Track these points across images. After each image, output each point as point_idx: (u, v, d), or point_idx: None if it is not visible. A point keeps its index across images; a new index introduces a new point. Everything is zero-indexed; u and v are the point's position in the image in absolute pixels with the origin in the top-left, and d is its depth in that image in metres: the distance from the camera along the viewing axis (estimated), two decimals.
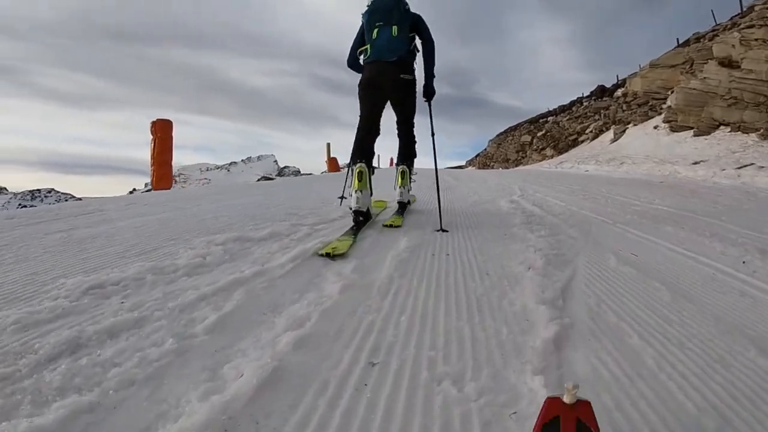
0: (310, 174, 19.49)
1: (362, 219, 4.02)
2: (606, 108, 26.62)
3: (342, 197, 4.90)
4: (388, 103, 4.59)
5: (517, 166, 32.06)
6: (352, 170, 4.20)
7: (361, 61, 4.54)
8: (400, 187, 4.90)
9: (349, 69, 4.76)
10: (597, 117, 27.39)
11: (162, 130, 9.65)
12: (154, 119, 9.78)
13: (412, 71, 4.45)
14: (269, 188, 7.87)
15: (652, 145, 17.03)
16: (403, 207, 4.92)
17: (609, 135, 23.14)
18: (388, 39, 4.29)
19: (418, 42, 4.51)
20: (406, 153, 4.98)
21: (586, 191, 7.72)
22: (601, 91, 29.49)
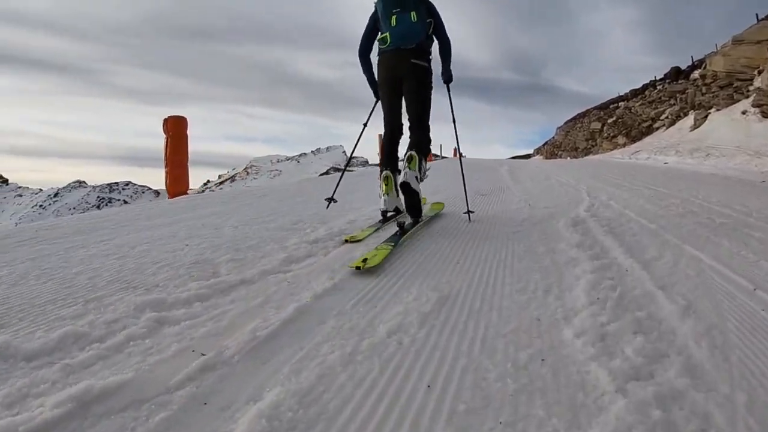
0: (377, 165, 17.58)
1: (393, 213, 4.16)
2: (682, 91, 23.12)
3: (331, 198, 4.48)
4: None
5: (586, 155, 28.88)
6: (380, 177, 4.13)
7: (376, 51, 4.26)
8: (407, 168, 3.87)
9: (358, 59, 4.36)
10: (673, 101, 23.95)
11: (175, 128, 8.17)
12: (166, 116, 8.18)
13: (427, 59, 4.18)
14: (259, 199, 5.92)
15: (741, 133, 14.00)
16: (406, 191, 3.94)
17: (688, 121, 19.91)
18: (409, 25, 4.00)
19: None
20: (419, 145, 4.10)
21: (677, 197, 5.48)
22: (676, 73, 25.78)
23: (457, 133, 4.82)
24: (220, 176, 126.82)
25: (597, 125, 30.75)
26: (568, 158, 29.38)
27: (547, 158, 35.70)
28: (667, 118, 23.38)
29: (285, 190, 6.95)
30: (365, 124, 4.57)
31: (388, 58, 4.13)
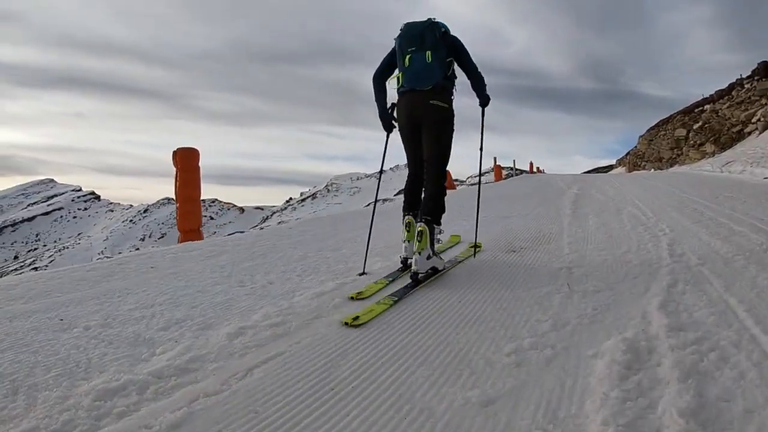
0: (456, 182, 16.35)
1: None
2: None
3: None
4: None
5: (671, 166, 25.58)
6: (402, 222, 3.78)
7: (396, 92, 3.82)
8: (415, 252, 3.43)
9: (371, 82, 3.91)
10: (764, 101, 20.66)
11: (184, 161, 7.03)
12: (176, 148, 6.98)
13: (448, 99, 3.69)
14: (196, 265, 4.36)
15: None
16: (416, 281, 3.30)
17: None
18: (423, 66, 3.56)
19: (458, 69, 3.80)
20: (430, 205, 3.65)
21: None
22: (765, 69, 22.23)
23: (482, 162, 4.31)
24: (302, 194, 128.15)
25: (682, 132, 27.31)
26: (652, 170, 26.19)
27: (629, 170, 32.39)
28: (759, 120, 20.25)
29: (256, 242, 5.17)
30: (381, 171, 4.24)
31: (406, 101, 3.74)
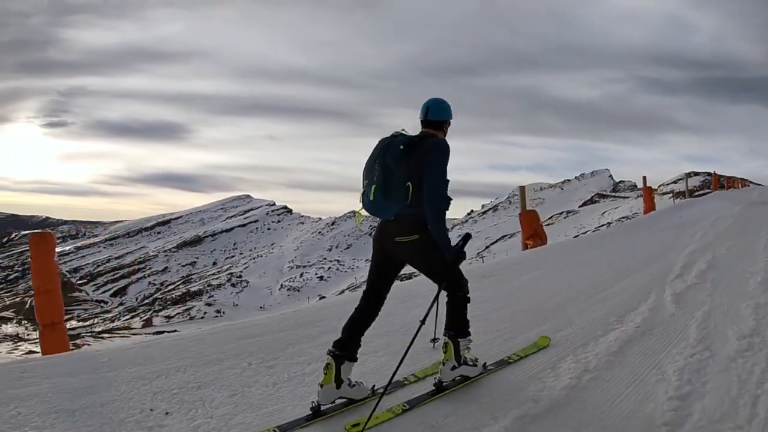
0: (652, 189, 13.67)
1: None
2: None
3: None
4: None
5: None
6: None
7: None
8: (441, 363, 3.25)
9: None
10: None
11: (36, 247, 6.04)
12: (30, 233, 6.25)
13: (418, 228, 3.11)
14: None
15: None
16: (439, 389, 3.19)
17: None
18: (368, 201, 3.16)
19: None
20: (452, 318, 3.30)
21: None
22: None
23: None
24: (483, 206, 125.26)
25: None
26: None
27: None
28: None
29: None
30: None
31: (378, 229, 3.31)
